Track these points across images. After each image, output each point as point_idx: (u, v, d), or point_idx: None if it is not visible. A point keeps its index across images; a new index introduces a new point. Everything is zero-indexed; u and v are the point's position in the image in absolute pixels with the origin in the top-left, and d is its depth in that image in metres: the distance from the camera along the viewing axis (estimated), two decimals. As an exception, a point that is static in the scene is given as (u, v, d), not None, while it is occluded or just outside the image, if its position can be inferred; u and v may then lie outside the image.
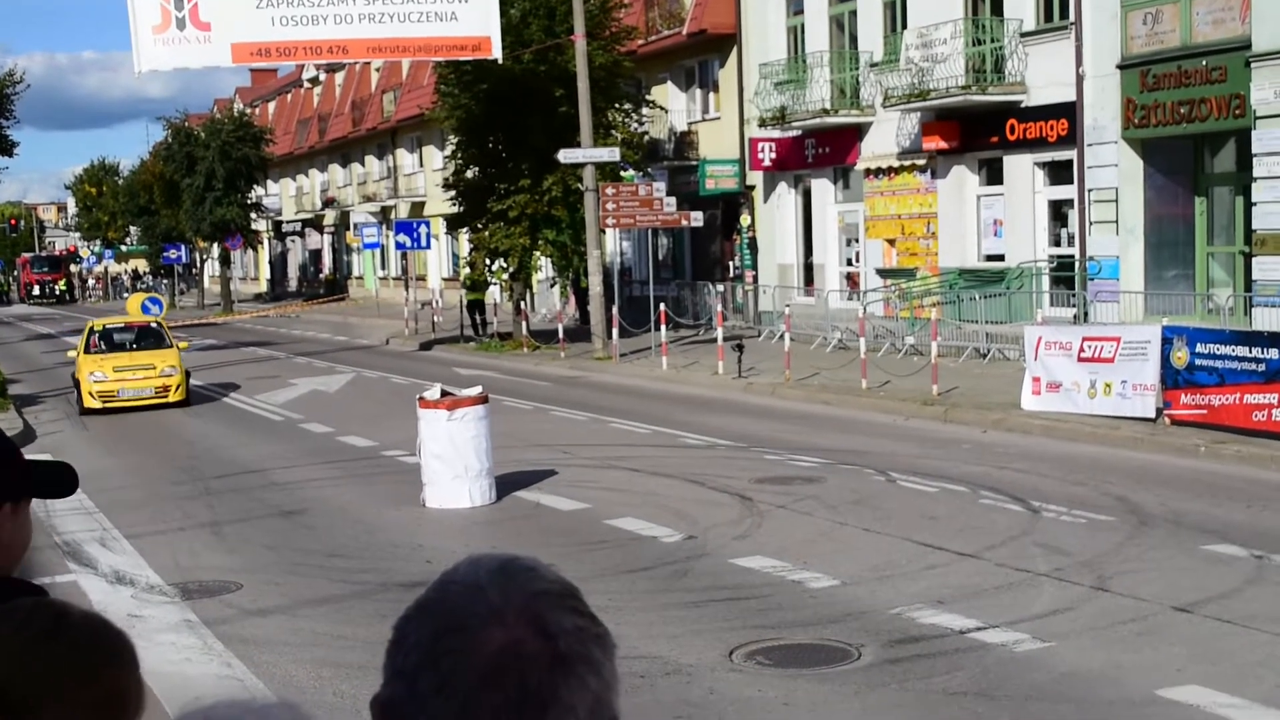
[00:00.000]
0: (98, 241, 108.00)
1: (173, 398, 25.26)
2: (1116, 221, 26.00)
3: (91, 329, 27.15)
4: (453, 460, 14.68)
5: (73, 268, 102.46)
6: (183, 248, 74.18)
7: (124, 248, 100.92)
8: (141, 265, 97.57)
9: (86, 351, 25.93)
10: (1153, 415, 17.68)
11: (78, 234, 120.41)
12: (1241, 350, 16.66)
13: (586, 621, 1.44)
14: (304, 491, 16.30)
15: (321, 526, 14.34)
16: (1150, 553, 11.52)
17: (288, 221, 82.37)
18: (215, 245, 69.04)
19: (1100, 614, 9.74)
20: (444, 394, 15.15)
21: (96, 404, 24.87)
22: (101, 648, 1.86)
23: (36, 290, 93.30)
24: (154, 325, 27.64)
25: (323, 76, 73.38)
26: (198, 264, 79.25)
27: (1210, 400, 16.95)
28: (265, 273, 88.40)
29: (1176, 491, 14.11)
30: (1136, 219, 25.80)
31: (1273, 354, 16.21)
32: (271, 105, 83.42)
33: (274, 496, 16.03)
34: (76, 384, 25.44)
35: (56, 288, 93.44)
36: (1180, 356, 17.37)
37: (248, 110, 77.54)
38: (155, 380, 25.31)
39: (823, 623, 9.82)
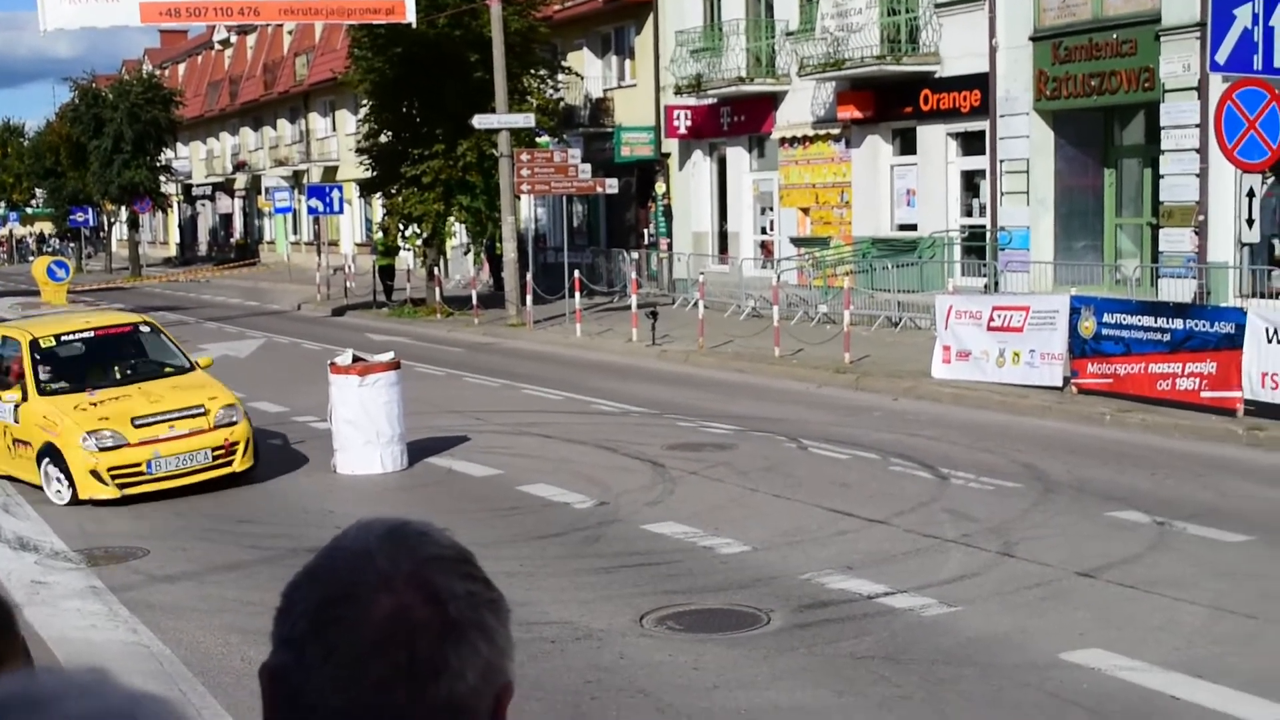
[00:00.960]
0: (2, 204, 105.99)
1: (239, 465, 14.46)
2: (1027, 192, 26.25)
3: (32, 344, 15.04)
4: (364, 426, 14.60)
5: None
6: (90, 211, 72.98)
7: (29, 210, 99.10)
8: (47, 228, 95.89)
9: (39, 393, 14.57)
10: (1060, 384, 17.91)
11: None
12: (1147, 320, 16.91)
13: (479, 587, 1.42)
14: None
15: (230, 492, 14.20)
16: (1055, 519, 11.68)
17: (198, 185, 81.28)
18: (123, 208, 67.98)
19: (1006, 579, 9.87)
20: (356, 359, 15.06)
21: (107, 491, 13.74)
22: None
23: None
24: (143, 328, 15.97)
25: (234, 39, 72.39)
26: (105, 227, 78.00)
27: (1116, 369, 17.20)
28: (175, 237, 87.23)
29: (1082, 459, 14.30)
30: (1047, 190, 26.07)
31: (1177, 324, 16.47)
32: (181, 67, 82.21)
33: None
34: (49, 455, 14.12)
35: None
36: (1088, 326, 17.60)
37: (157, 72, 76.33)
38: (209, 435, 14.37)
39: (733, 588, 9.87)
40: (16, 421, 14.52)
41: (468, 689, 1.37)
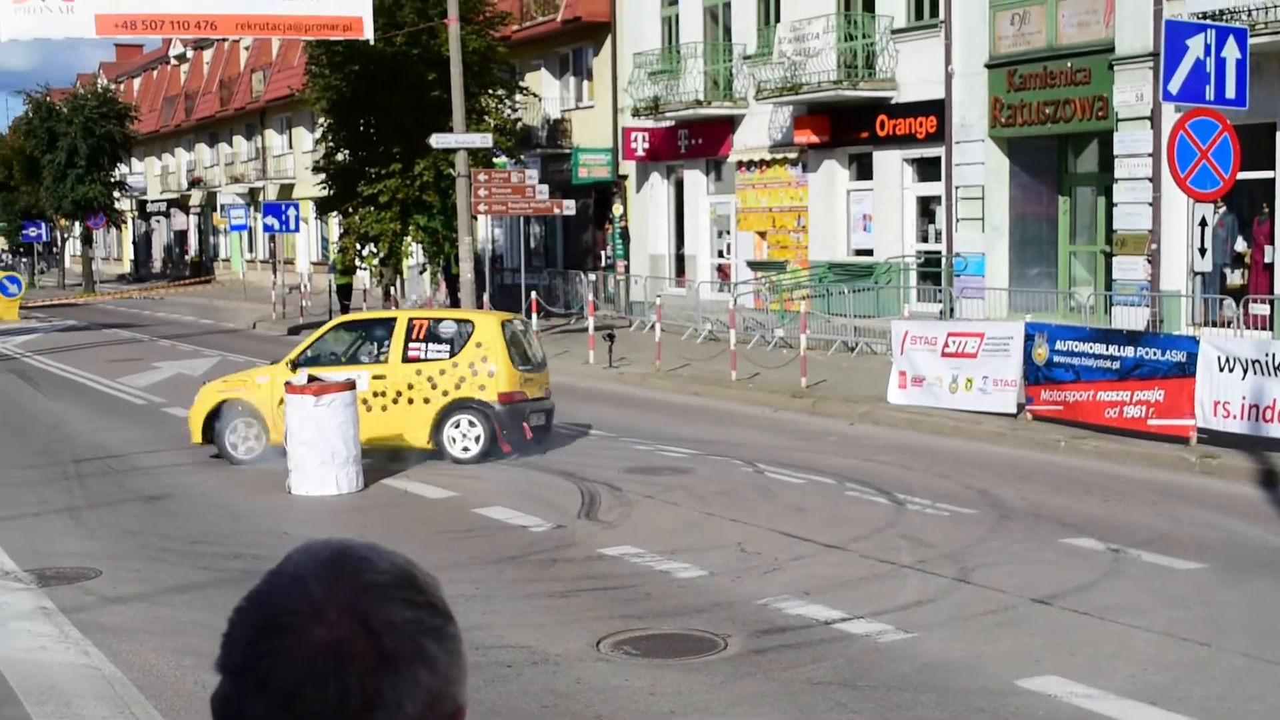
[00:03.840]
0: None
1: None
2: (982, 219, 26.43)
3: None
4: (319, 446, 14.51)
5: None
6: (43, 226, 72.50)
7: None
8: (0, 243, 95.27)
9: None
10: (1014, 410, 18.01)
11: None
12: (1098, 348, 17.04)
13: (422, 613, 1.39)
14: (167, 476, 16.03)
15: (185, 512, 14.10)
16: (1011, 545, 11.74)
17: (153, 201, 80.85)
18: (77, 224, 67.56)
19: (962, 605, 9.90)
20: (311, 379, 14.98)
21: None
22: None
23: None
24: None
25: (190, 54, 72.10)
26: (59, 243, 77.44)
27: (1067, 396, 17.32)
28: (129, 253, 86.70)
29: (1037, 485, 14.39)
30: (1002, 217, 26.25)
31: (1127, 352, 16.61)
32: (137, 82, 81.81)
33: (136, 481, 15.72)
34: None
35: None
36: (1041, 353, 17.72)
37: (112, 86, 75.95)
38: None
39: (689, 613, 9.87)
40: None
41: None
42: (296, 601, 1.37)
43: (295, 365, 16.29)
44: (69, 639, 9.66)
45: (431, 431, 16.34)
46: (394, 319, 17.33)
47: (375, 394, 16.31)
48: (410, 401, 16.40)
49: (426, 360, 16.52)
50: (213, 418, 16.74)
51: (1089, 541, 11.70)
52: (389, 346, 16.69)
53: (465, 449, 16.30)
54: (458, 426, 16.38)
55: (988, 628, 9.37)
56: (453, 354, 16.56)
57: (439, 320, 17.28)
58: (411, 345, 16.56)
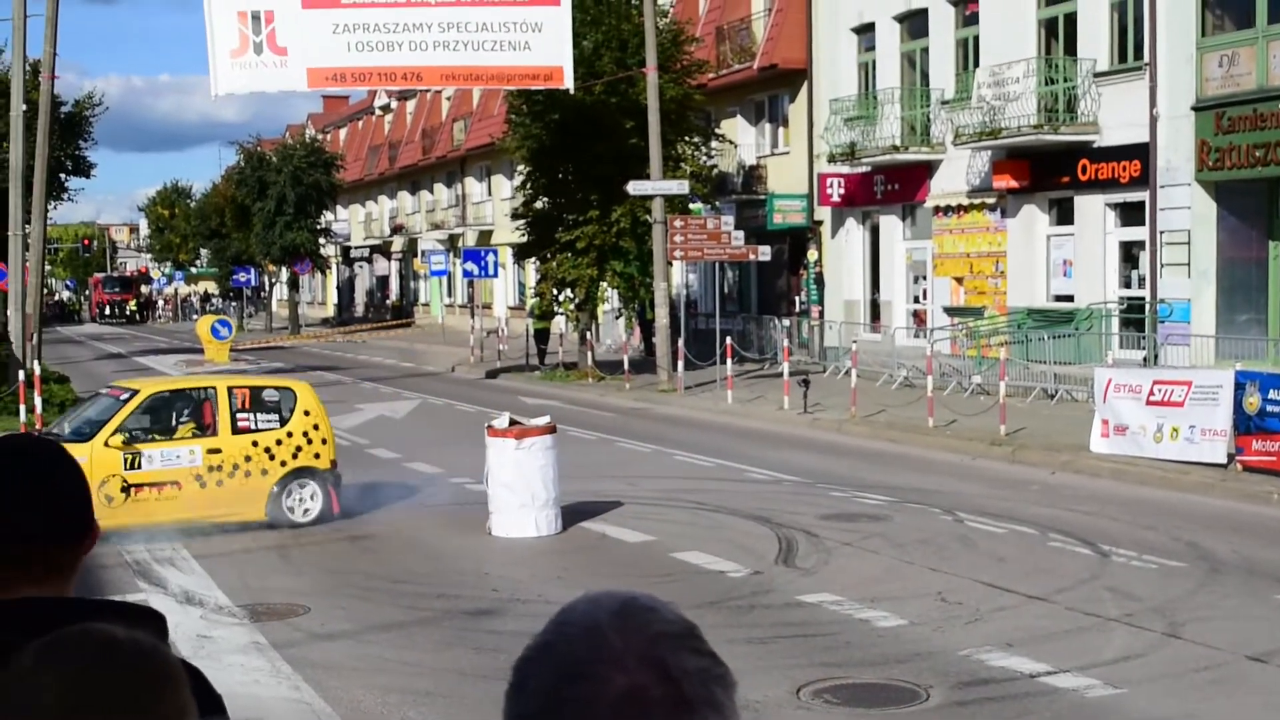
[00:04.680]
0: (169, 263, 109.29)
1: None
2: (1188, 264, 25.77)
3: None
4: (519, 489, 14.73)
5: (143, 289, 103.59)
6: (252, 271, 74.88)
7: (194, 270, 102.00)
8: (211, 287, 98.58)
9: None
10: (1224, 461, 17.48)
11: (149, 255, 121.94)
12: (1316, 397, 16.46)
13: (708, 661, 1.43)
14: (369, 517, 16.38)
15: (387, 551, 14.42)
16: (1223, 600, 11.39)
17: (356, 247, 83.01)
18: (284, 269, 69.68)
19: (1172, 661, 9.64)
20: (512, 423, 15.20)
21: None
22: (154, 672, 1.83)
23: (108, 310, 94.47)
24: None
25: (394, 104, 74.01)
26: (266, 287, 79.93)
27: (1283, 447, 16.74)
28: (333, 298, 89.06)
29: (1249, 539, 13.94)
30: (1209, 262, 25.56)
31: (1349, 402, 16.02)
32: (343, 132, 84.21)
33: (340, 521, 16.11)
34: None
35: (127, 308, 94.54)
36: (1253, 402, 17.18)
37: (319, 136, 78.31)
38: None
39: (890, 662, 9.77)
40: None
41: None
42: (595, 650, 1.40)
43: (109, 443, 15.14)
44: (280, 674, 9.93)
45: (269, 503, 15.78)
46: (212, 388, 16.51)
47: (210, 469, 15.61)
48: (248, 474, 15.77)
49: (260, 430, 16.02)
50: None
51: (1306, 598, 11.30)
52: (217, 418, 15.92)
53: (306, 511, 15.92)
54: (294, 495, 15.98)
55: (1200, 685, 9.10)
56: (284, 423, 16.15)
57: (260, 388, 16.82)
58: (240, 416, 15.99)
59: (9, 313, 29.90)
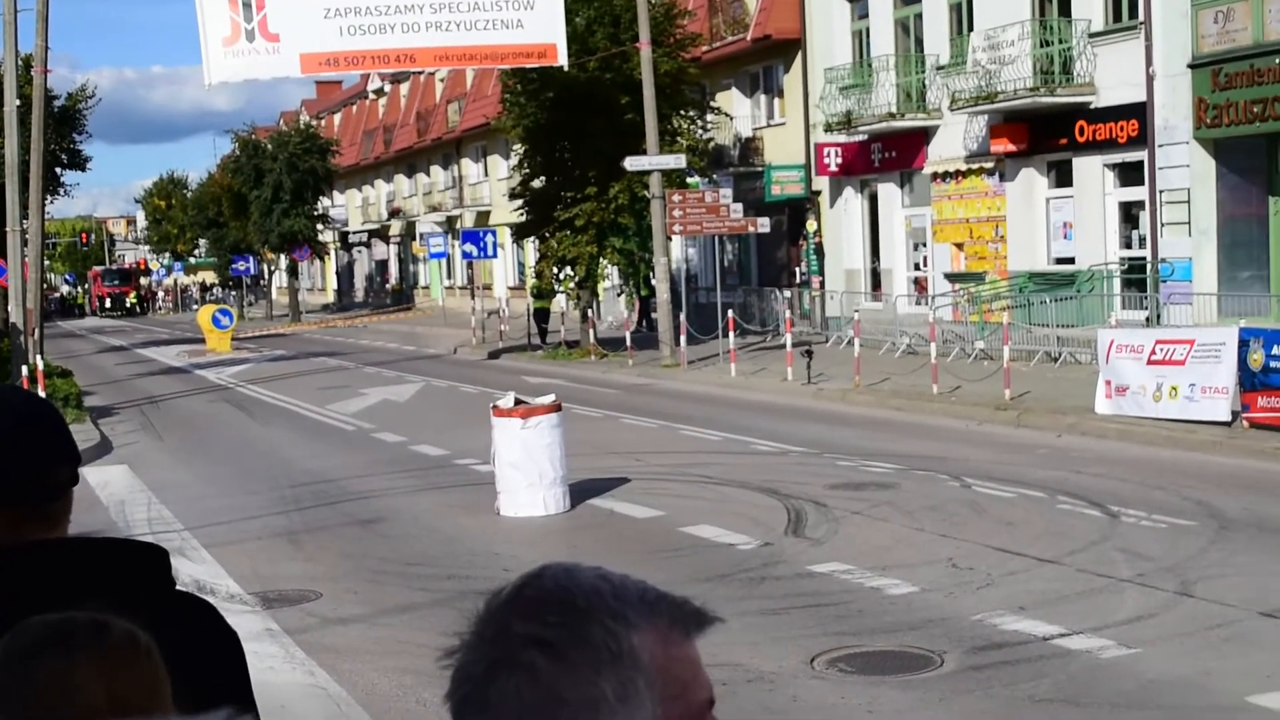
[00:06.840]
0: (167, 254, 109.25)
1: None
2: (1189, 223, 25.73)
3: None
4: (527, 468, 14.73)
5: (143, 280, 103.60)
6: (251, 259, 74.84)
7: (193, 260, 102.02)
8: (210, 277, 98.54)
9: None
10: (1227, 418, 17.46)
11: (147, 247, 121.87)
12: (1321, 352, 16.43)
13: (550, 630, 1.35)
14: (379, 500, 16.39)
15: (398, 535, 14.41)
16: (1234, 558, 11.38)
17: (354, 232, 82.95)
18: (283, 256, 69.65)
19: (1186, 620, 9.64)
20: (518, 402, 15.19)
21: None
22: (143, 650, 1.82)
23: (108, 303, 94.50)
24: None
25: (388, 88, 73.87)
26: (265, 275, 79.94)
27: (1289, 402, 16.72)
28: (332, 283, 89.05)
29: (1259, 496, 13.93)
30: (1209, 220, 25.52)
31: (1354, 355, 15.99)
32: (337, 117, 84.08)
33: (350, 506, 16.12)
34: None
35: (127, 300, 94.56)
36: (1257, 358, 17.15)
37: (314, 122, 78.17)
38: None
39: (903, 629, 9.77)
40: None
41: None
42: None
43: None
44: (294, 659, 9.93)
45: None
46: None
47: None
48: None
49: None
50: None
51: (1317, 552, 11.30)
52: None
53: None
54: None
55: (1214, 643, 9.10)
56: None
57: None
58: None
59: (10, 308, 29.89)
